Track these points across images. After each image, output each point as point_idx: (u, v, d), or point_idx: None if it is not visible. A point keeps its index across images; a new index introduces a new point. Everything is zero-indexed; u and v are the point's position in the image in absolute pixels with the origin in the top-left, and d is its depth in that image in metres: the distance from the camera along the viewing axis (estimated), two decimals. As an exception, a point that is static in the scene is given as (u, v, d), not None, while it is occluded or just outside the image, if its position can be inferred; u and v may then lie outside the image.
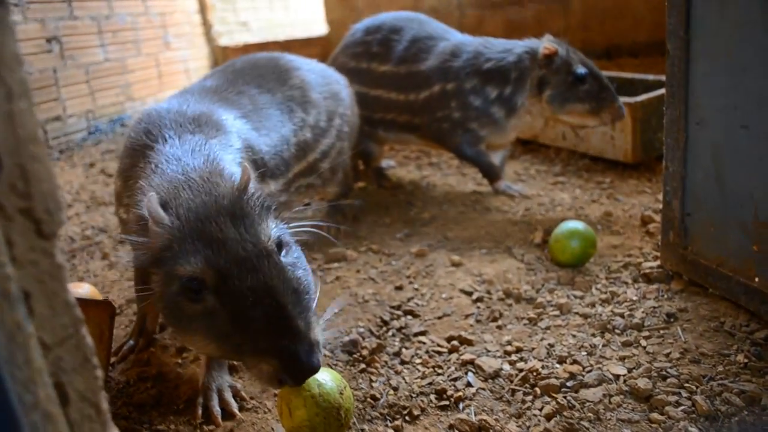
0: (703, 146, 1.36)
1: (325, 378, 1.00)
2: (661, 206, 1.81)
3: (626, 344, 1.26)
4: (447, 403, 1.13)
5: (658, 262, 1.53)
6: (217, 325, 0.94)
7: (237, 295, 0.93)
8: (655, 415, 1.05)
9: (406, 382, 1.20)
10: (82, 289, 1.63)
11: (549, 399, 1.11)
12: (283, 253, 1.03)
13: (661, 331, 1.28)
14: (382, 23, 2.26)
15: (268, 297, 0.93)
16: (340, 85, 1.88)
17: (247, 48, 5.38)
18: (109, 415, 0.60)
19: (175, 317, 0.99)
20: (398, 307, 1.46)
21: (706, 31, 1.30)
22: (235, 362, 1.29)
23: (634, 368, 1.17)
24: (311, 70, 1.81)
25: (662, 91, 2.09)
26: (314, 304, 1.03)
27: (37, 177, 0.53)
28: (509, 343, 1.29)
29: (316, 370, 0.93)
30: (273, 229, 1.03)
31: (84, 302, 1.22)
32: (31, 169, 0.53)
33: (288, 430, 1.01)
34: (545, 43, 1.87)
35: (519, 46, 2.00)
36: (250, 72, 1.69)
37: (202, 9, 5.34)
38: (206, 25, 5.39)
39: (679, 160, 1.41)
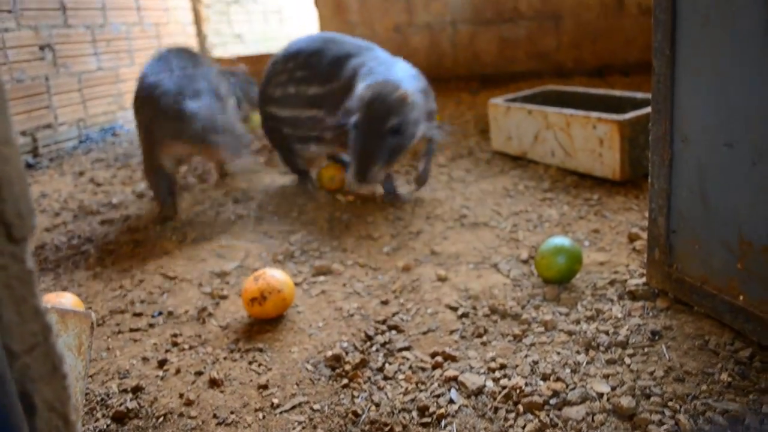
0: (689, 164, 1.36)
1: None
2: (647, 223, 1.83)
3: (610, 362, 1.25)
4: (429, 420, 1.12)
5: (644, 280, 1.53)
6: None
7: None
8: (637, 434, 1.04)
9: (388, 398, 1.19)
10: (65, 299, 1.61)
11: (532, 417, 1.10)
12: None
13: (646, 349, 1.28)
14: (299, 49, 2.42)
15: None
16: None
17: (241, 60, 5.39)
18: (79, 425, 0.59)
19: None
20: (383, 322, 1.45)
21: (691, 48, 1.30)
22: (217, 376, 1.29)
23: (617, 386, 1.16)
24: None
25: (650, 109, 2.12)
26: None
27: (8, 180, 0.52)
28: (493, 359, 1.28)
29: None
30: None
31: (63, 312, 1.20)
32: (3, 171, 0.52)
33: None
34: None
35: None
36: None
37: (197, 20, 5.35)
38: (200, 37, 5.40)
39: (664, 177, 1.41)
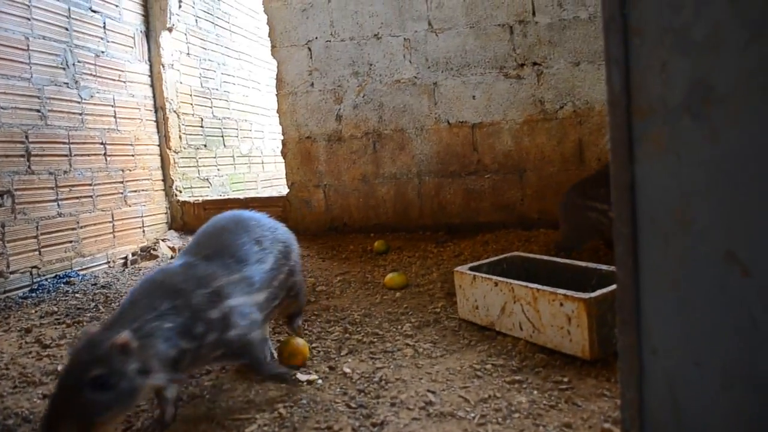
0: (659, 376, 1.32)
1: None
2: (620, 415, 1.75)
3: None
4: None
5: (621, 491, 1.44)
6: None
7: None
8: None
9: None
10: None
11: None
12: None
13: None
14: (210, 221, 2.32)
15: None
16: None
17: (206, 204, 5.41)
18: None
19: None
20: None
21: (652, 263, 1.30)
22: None
23: None
24: None
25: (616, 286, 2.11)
26: None
27: None
28: None
29: None
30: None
31: None
32: None
33: None
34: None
35: None
36: None
37: (164, 165, 5.40)
38: (167, 181, 5.42)
39: (635, 387, 1.36)
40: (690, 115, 1.19)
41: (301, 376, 2.18)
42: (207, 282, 1.89)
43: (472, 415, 1.84)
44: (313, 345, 2.54)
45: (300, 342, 2.31)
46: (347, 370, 2.22)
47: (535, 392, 1.95)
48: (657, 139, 1.25)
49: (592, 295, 2.10)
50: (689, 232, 1.19)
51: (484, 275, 2.51)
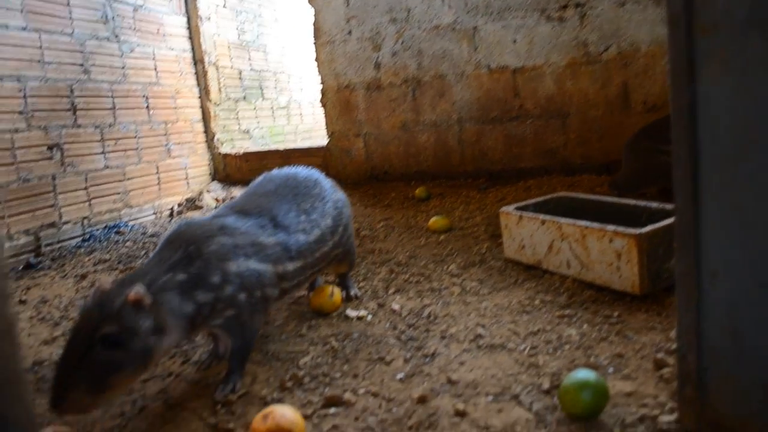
0: (718, 301, 1.30)
1: None
2: (673, 346, 1.74)
3: None
4: None
5: (675, 416, 1.44)
6: None
7: None
8: None
9: None
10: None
11: None
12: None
13: (686, 505, 1.18)
14: (262, 178, 2.23)
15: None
16: None
17: (248, 156, 5.46)
18: None
19: None
20: (400, 468, 1.36)
21: (713, 186, 1.27)
22: None
23: None
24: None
25: (668, 221, 2.08)
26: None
27: (16, 422, 0.48)
28: None
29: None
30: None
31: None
32: (11, 415, 0.47)
33: None
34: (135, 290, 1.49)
35: None
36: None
37: (205, 118, 5.44)
38: (208, 133, 5.48)
39: (692, 313, 1.35)
40: (758, 30, 1.14)
41: (351, 313, 2.23)
42: (230, 232, 1.79)
43: (523, 346, 1.86)
44: (361, 284, 2.58)
45: (335, 292, 2.31)
46: (396, 307, 2.25)
47: (585, 326, 1.96)
48: (721, 57, 1.21)
49: (643, 230, 2.08)
50: (754, 152, 1.16)
51: (530, 214, 2.50)
